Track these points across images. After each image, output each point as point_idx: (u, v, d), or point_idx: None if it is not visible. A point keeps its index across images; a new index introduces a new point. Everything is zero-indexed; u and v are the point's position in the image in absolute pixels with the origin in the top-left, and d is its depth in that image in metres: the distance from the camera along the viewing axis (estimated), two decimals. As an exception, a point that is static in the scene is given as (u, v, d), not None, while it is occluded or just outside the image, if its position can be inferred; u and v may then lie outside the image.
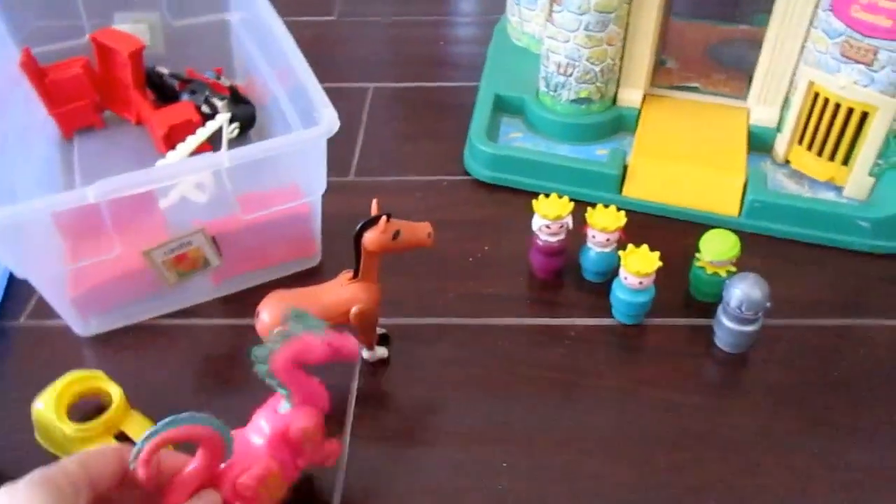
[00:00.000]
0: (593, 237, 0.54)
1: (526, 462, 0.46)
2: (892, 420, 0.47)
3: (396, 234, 0.45)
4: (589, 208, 0.55)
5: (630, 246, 0.51)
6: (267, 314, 0.46)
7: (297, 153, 0.51)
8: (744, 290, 0.48)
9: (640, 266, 0.49)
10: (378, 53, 0.86)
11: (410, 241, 0.46)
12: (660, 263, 0.50)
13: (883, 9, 0.53)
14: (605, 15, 0.62)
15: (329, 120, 0.49)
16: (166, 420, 0.34)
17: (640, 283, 0.50)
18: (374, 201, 0.46)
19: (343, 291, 0.47)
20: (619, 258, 0.51)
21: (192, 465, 0.36)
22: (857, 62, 0.56)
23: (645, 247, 0.51)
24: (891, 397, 0.49)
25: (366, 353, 0.51)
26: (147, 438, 0.33)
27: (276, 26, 0.61)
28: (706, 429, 0.47)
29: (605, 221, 0.53)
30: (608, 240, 0.54)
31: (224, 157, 0.47)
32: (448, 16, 0.95)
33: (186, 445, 0.36)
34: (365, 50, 0.87)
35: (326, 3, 0.97)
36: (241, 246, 0.54)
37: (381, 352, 0.51)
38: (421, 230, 0.47)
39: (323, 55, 0.87)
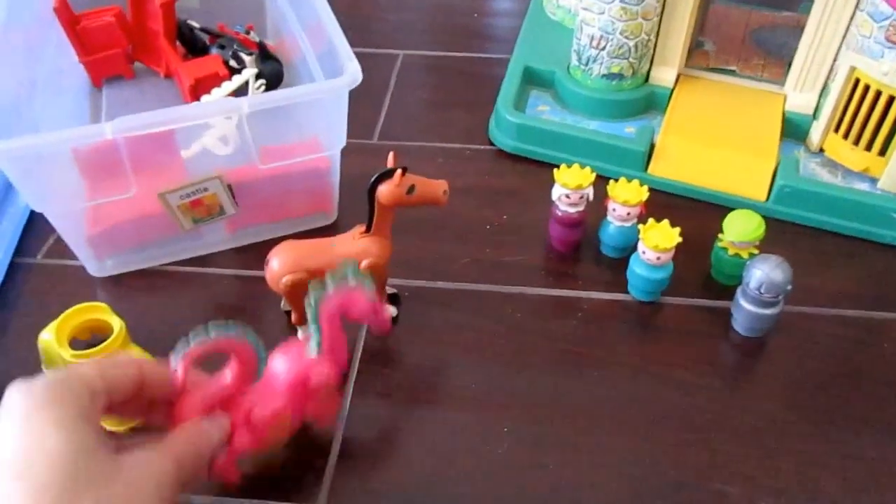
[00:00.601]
0: (613, 210, 0.53)
1: (528, 429, 0.45)
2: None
3: (411, 189, 0.45)
4: (611, 181, 0.53)
5: (651, 220, 0.50)
6: (277, 262, 0.45)
7: (318, 105, 0.51)
8: (765, 272, 0.46)
9: (659, 241, 0.48)
10: (411, 22, 0.86)
11: (425, 197, 0.45)
12: (679, 239, 0.48)
13: (934, -9, 0.50)
14: (642, -13, 0.61)
15: (352, 72, 0.49)
16: (213, 327, 0.34)
17: (659, 258, 0.49)
18: (391, 154, 0.45)
19: (354, 245, 0.47)
20: (638, 233, 0.50)
21: (222, 380, 0.36)
22: (903, 47, 0.54)
23: (666, 222, 0.50)
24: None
25: None
26: (191, 342, 0.34)
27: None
28: (718, 411, 0.46)
29: (626, 194, 0.52)
30: (629, 214, 0.53)
31: (244, 102, 0.47)
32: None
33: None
34: (398, 17, 0.86)
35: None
36: (258, 196, 0.53)
37: (391, 310, 0.51)
38: (437, 187, 0.46)
39: (356, 20, 0.86)
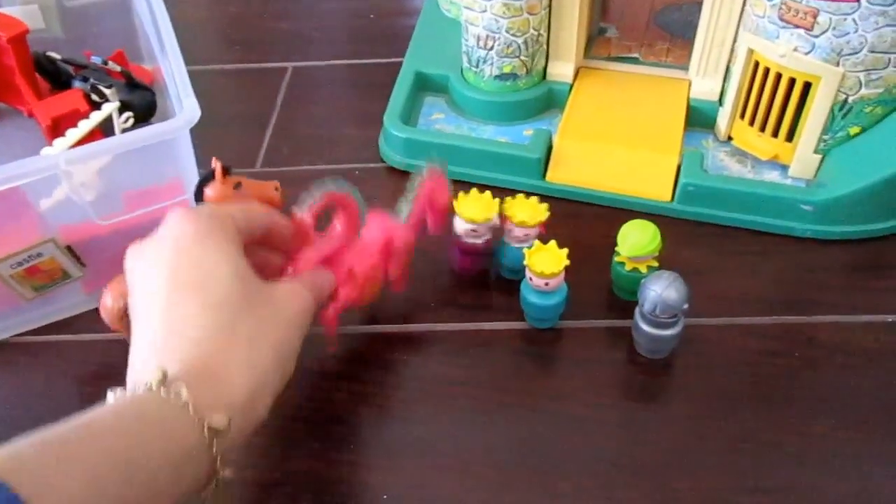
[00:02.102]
0: (511, 231, 0.49)
1: (403, 484, 0.41)
2: (828, 434, 0.42)
3: (237, 186, 0.43)
4: (508, 198, 0.49)
5: (536, 242, 0.45)
6: (110, 297, 0.43)
7: (171, 145, 0.46)
8: (657, 292, 0.42)
9: (545, 266, 0.44)
10: (302, 30, 0.80)
11: (255, 195, 0.43)
12: (567, 262, 0.44)
13: (821, -35, 0.46)
14: (522, -19, 0.56)
15: (188, 111, 0.44)
16: (334, 181, 0.42)
17: (547, 283, 0.44)
18: (214, 158, 0.43)
19: None
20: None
21: (332, 234, 0.42)
22: (797, 27, 0.50)
23: (553, 243, 0.45)
24: (829, 409, 0.43)
25: None
26: (315, 195, 0.40)
27: (156, 4, 0.55)
28: (618, 449, 0.42)
29: (523, 214, 0.48)
30: (527, 235, 0.48)
31: (61, 158, 0.41)
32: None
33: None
34: (289, 26, 0.81)
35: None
36: (109, 252, 0.48)
37: None
38: (267, 186, 0.44)
39: (241, 32, 0.80)
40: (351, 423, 0.44)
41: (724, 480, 0.40)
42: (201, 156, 0.62)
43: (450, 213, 0.48)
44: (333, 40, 0.78)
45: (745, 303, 0.49)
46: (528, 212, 0.48)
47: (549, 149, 0.58)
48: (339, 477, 0.41)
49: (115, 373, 0.47)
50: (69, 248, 0.46)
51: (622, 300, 0.50)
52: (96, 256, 0.48)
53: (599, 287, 0.51)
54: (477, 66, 0.62)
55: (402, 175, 0.60)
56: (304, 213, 0.40)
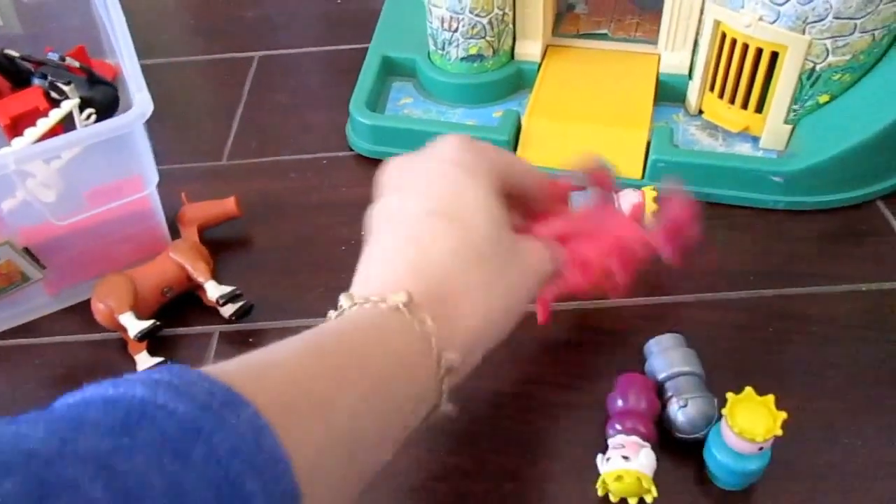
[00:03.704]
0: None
1: None
2: (803, 406, 0.42)
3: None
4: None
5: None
6: (103, 304, 0.45)
7: (126, 141, 0.45)
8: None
9: (755, 427, 0.36)
10: (268, 17, 0.79)
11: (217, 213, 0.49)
12: (784, 416, 0.36)
13: (783, -69, 0.45)
14: (483, -41, 0.55)
15: (140, 104, 0.42)
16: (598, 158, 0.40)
17: (761, 449, 0.36)
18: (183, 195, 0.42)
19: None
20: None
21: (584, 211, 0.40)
22: (762, -5, 0.49)
23: (768, 398, 0.37)
24: (803, 381, 0.43)
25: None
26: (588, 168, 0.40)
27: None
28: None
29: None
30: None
31: (10, 158, 0.40)
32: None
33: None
34: (255, 14, 0.79)
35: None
36: (70, 253, 0.47)
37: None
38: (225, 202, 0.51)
39: (207, 22, 0.79)
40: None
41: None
42: (168, 150, 0.61)
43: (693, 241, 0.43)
44: (300, 27, 0.77)
45: (718, 277, 0.49)
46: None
47: (519, 130, 0.57)
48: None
49: (82, 374, 0.47)
50: (27, 250, 0.45)
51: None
52: (56, 257, 0.47)
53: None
54: (443, 49, 0.61)
55: (371, 163, 0.59)
56: (567, 181, 0.39)
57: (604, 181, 0.41)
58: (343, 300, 0.30)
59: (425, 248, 0.31)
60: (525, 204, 0.37)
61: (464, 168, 0.33)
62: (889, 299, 0.46)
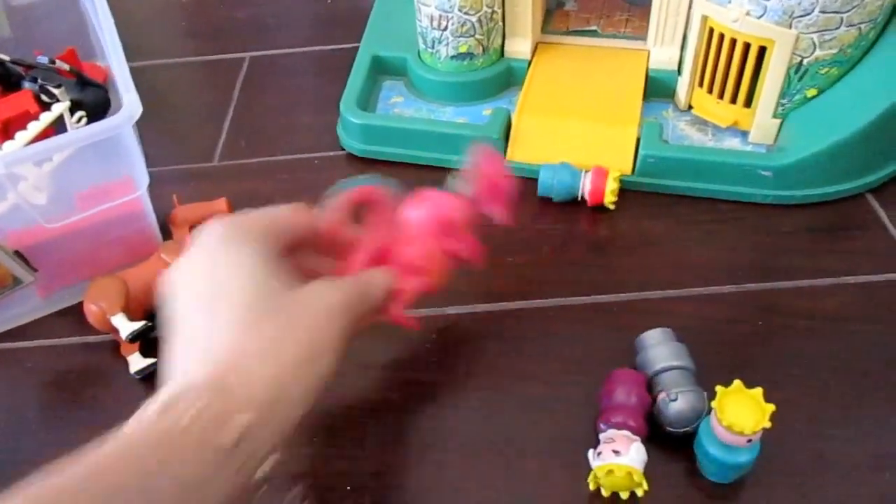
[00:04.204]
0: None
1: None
2: (791, 400, 0.42)
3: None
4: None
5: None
6: (95, 306, 0.45)
7: (116, 142, 0.45)
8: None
9: (743, 420, 0.36)
10: (259, 17, 0.79)
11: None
12: (773, 408, 0.36)
13: (768, -74, 0.46)
14: (471, -43, 0.55)
15: (129, 106, 0.43)
16: (361, 178, 0.41)
17: (749, 441, 0.37)
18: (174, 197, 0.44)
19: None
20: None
21: (372, 233, 0.39)
22: (748, -10, 0.49)
23: (756, 392, 0.37)
24: (792, 375, 0.43)
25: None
26: (338, 193, 0.39)
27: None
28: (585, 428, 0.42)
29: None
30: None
31: (0, 161, 0.40)
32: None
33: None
34: (247, 14, 0.79)
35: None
36: (60, 255, 0.47)
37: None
38: (216, 204, 0.52)
39: (199, 22, 0.79)
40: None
41: (688, 451, 0.40)
42: (160, 152, 0.61)
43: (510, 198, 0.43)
44: (291, 27, 0.77)
45: (708, 272, 0.49)
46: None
47: (509, 127, 0.57)
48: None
49: (74, 377, 0.47)
50: (18, 253, 0.45)
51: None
52: (48, 260, 0.47)
53: (564, 273, 0.50)
54: (432, 47, 0.61)
55: (363, 162, 0.60)
56: (329, 218, 0.38)
57: (368, 197, 0.40)
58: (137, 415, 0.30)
59: (189, 337, 0.31)
60: (325, 248, 0.39)
61: (217, 245, 0.33)
62: (877, 292, 0.46)
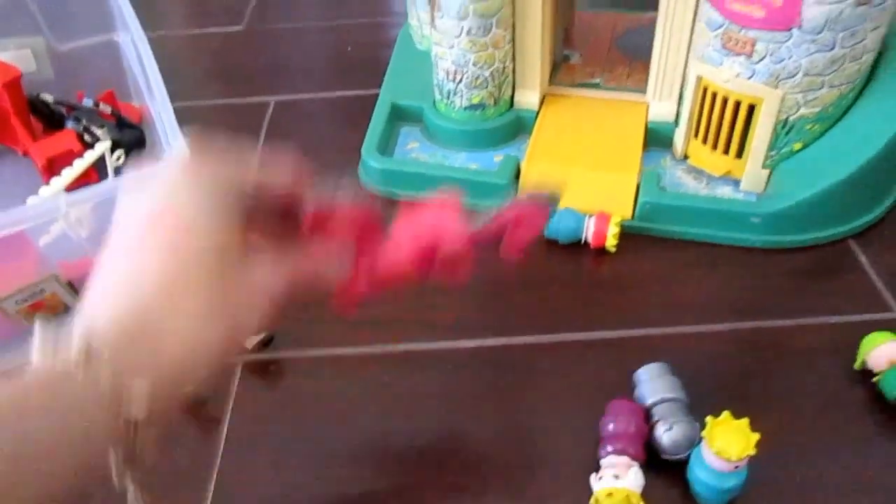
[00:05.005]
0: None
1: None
2: (779, 431, 0.45)
3: None
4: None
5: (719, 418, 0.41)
6: None
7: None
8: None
9: (731, 448, 0.39)
10: (283, 64, 0.84)
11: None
12: (758, 437, 0.40)
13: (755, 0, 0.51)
14: (486, 19, 0.60)
15: (176, 152, 0.47)
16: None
17: (736, 467, 0.40)
18: None
19: None
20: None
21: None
22: (738, 54, 0.54)
23: (743, 422, 0.40)
24: (780, 408, 0.47)
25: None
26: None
27: (142, 47, 0.59)
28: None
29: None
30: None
31: (62, 200, 0.45)
32: (359, 18, 0.92)
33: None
34: (269, 60, 0.85)
35: (236, 12, 0.94)
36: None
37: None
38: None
39: (224, 66, 0.84)
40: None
41: (681, 476, 0.44)
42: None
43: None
44: (313, 73, 0.82)
45: (701, 311, 0.53)
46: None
47: (518, 173, 0.62)
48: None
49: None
50: (69, 284, 0.49)
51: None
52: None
53: (570, 309, 0.54)
54: (448, 98, 0.66)
55: (383, 203, 0.64)
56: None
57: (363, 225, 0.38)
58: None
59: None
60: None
61: (168, 190, 0.31)
62: (858, 331, 0.50)
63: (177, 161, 0.32)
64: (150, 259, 0.29)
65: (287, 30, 0.90)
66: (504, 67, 0.64)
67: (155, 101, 0.55)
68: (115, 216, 0.32)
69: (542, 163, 0.62)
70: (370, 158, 0.64)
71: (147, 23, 0.61)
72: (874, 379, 0.46)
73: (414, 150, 0.67)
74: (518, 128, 0.67)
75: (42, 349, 0.27)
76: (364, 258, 0.38)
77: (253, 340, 0.51)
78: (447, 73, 0.64)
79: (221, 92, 0.80)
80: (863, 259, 0.56)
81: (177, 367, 0.29)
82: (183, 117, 0.77)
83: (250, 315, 0.32)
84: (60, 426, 0.26)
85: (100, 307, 0.29)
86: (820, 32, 0.50)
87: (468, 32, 0.61)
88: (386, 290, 0.39)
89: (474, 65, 0.62)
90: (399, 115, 0.69)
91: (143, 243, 0.30)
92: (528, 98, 0.67)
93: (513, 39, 0.63)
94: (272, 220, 0.35)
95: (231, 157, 0.33)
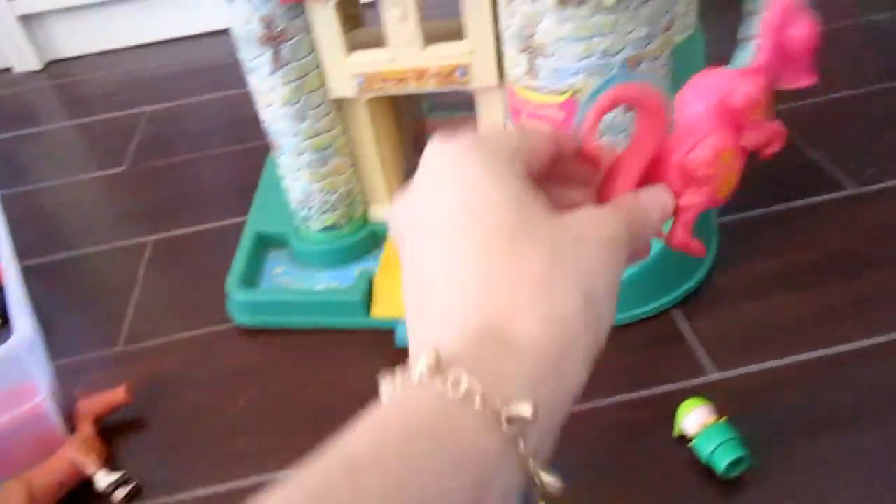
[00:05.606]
0: None
1: None
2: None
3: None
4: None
5: None
6: None
7: (9, 361, 0.52)
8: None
9: None
10: (162, 202, 0.88)
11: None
12: None
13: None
14: (322, 152, 0.65)
15: (21, 332, 0.50)
16: (603, 81, 0.32)
17: None
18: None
19: None
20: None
21: (635, 145, 0.30)
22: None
23: None
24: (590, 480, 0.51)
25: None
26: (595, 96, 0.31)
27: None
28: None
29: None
30: None
31: None
32: (234, 145, 0.97)
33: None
34: (150, 199, 0.89)
35: (116, 154, 0.98)
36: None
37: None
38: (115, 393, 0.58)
39: (106, 212, 0.88)
40: None
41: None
42: (68, 341, 0.68)
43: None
44: (190, 207, 0.86)
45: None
46: None
47: (371, 287, 0.66)
48: None
49: None
50: None
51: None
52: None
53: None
54: (304, 223, 0.70)
55: (252, 332, 0.67)
56: (582, 133, 0.30)
57: (636, 98, 0.31)
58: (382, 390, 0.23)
59: (442, 279, 0.24)
60: (580, 174, 0.31)
61: (459, 171, 0.26)
62: (674, 399, 0.54)
63: (433, 152, 0.27)
64: (458, 248, 0.24)
65: (166, 173, 0.94)
66: (350, 190, 0.69)
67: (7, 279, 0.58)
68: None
69: (394, 275, 0.66)
70: (234, 293, 0.67)
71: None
72: (688, 445, 0.51)
73: (279, 275, 0.71)
74: (374, 241, 0.71)
75: None
76: (674, 178, 0.31)
77: (120, 494, 0.53)
78: (298, 202, 0.69)
79: (99, 237, 0.83)
80: (685, 327, 0.61)
81: (548, 358, 0.23)
82: (59, 267, 0.80)
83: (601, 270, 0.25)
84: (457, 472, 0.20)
85: (430, 321, 0.24)
86: (601, 137, 0.57)
87: (308, 165, 0.66)
88: (717, 194, 0.31)
89: (321, 192, 0.67)
90: (266, 242, 0.74)
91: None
92: (379, 213, 0.72)
93: (353, 164, 0.68)
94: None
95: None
